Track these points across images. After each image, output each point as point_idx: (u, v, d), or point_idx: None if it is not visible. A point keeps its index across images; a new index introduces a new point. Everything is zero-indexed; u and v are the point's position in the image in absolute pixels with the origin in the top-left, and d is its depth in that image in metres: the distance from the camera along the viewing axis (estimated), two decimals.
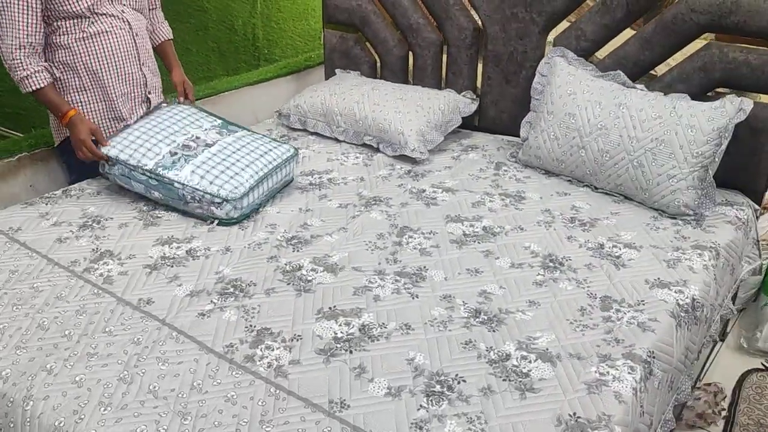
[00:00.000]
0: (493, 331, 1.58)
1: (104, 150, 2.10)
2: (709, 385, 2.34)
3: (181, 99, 2.43)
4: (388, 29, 2.96)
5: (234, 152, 2.17)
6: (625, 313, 1.65)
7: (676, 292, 1.75)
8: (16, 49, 2.03)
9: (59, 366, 1.43)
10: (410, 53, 2.97)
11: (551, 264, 1.87)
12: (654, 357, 1.53)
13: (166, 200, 2.10)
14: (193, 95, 2.49)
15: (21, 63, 2.05)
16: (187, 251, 1.89)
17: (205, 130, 2.24)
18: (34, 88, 2.07)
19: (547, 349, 1.52)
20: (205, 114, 2.34)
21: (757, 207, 2.31)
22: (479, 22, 2.72)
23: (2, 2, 2.00)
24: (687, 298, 1.73)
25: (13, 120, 3.36)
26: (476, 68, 2.82)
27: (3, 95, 3.31)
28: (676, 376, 1.66)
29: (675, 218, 2.14)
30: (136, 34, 2.28)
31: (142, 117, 2.25)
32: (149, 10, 2.43)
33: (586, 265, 1.86)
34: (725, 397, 2.30)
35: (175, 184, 2.04)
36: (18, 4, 2.00)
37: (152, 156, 2.09)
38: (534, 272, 1.83)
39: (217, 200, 2.02)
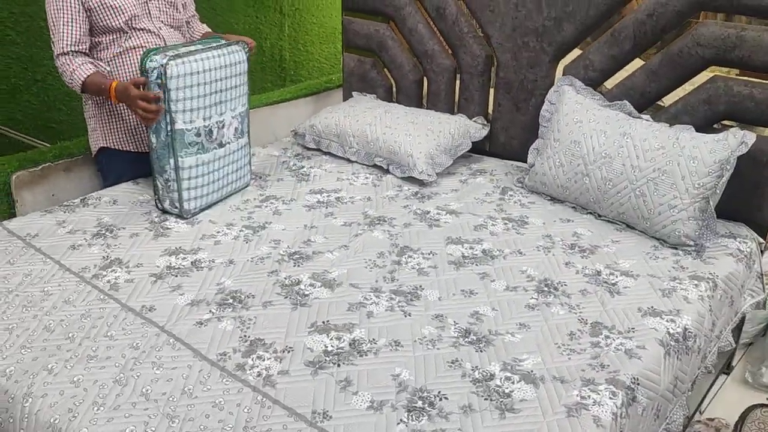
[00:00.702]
0: (481, 351, 1.61)
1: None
2: (712, 419, 2.31)
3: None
4: (405, 55, 3.04)
5: (222, 168, 2.31)
6: (613, 340, 1.67)
7: (667, 321, 1.76)
8: (62, 55, 2.20)
9: (60, 366, 1.50)
10: (425, 78, 3.03)
11: (546, 288, 1.89)
12: (638, 384, 1.55)
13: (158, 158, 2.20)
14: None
15: (67, 64, 2.20)
16: (192, 262, 1.96)
17: (232, 117, 2.32)
18: (82, 79, 2.18)
19: (532, 371, 1.55)
20: (245, 93, 2.40)
21: (762, 240, 2.31)
22: (492, 50, 2.78)
23: (51, 15, 2.19)
24: (678, 327, 1.74)
25: (45, 132, 3.51)
26: (488, 95, 2.88)
27: (37, 108, 3.46)
28: (664, 404, 1.66)
29: (676, 248, 2.15)
30: (159, 28, 2.37)
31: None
32: (187, 22, 2.56)
33: (581, 291, 1.88)
34: None
35: (171, 164, 2.17)
36: (63, 17, 2.17)
37: (191, 118, 2.16)
38: (528, 296, 1.85)
39: (175, 208, 2.22)
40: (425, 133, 2.67)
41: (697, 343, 1.80)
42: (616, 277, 1.96)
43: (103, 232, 2.11)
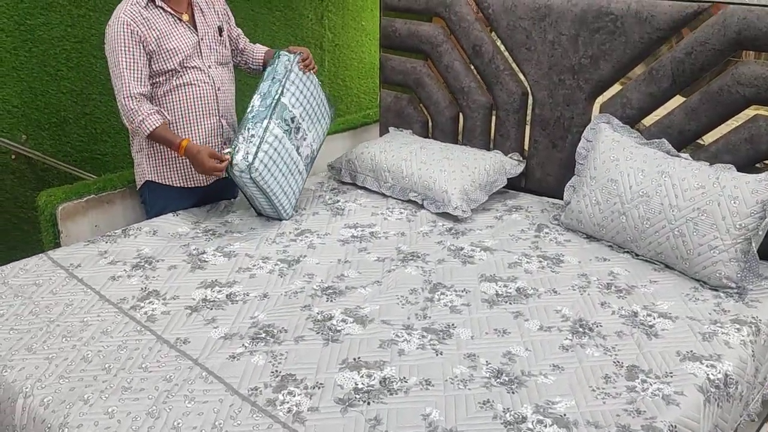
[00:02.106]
0: (513, 392, 1.59)
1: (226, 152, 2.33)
2: None
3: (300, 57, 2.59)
4: (441, 91, 3.07)
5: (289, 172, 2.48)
6: (650, 384, 1.63)
7: (708, 366, 1.71)
8: (127, 99, 2.29)
9: (95, 397, 1.53)
10: (460, 114, 3.05)
11: (581, 329, 1.86)
12: (676, 431, 1.50)
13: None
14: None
15: (134, 110, 2.29)
16: (227, 295, 1.99)
17: (312, 140, 2.54)
18: (150, 129, 2.30)
19: (565, 415, 1.52)
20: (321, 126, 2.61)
21: None
22: (527, 87, 2.79)
23: (113, 62, 2.28)
24: (719, 373, 1.69)
25: (91, 163, 3.62)
26: (524, 131, 2.88)
27: (84, 141, 3.58)
28: None
29: (717, 290, 2.09)
30: (218, 89, 2.48)
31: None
32: (240, 55, 2.68)
33: (617, 333, 1.85)
34: None
35: (263, 125, 2.36)
36: (124, 61, 2.27)
37: (292, 104, 2.44)
38: (562, 336, 1.83)
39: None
40: (460, 169, 2.68)
41: (739, 389, 1.74)
42: (654, 318, 1.92)
43: (143, 263, 2.16)
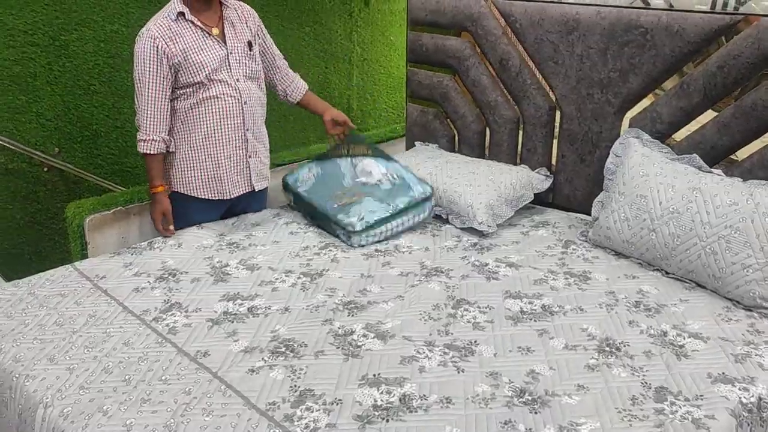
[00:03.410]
0: (536, 412, 1.55)
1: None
2: None
3: (336, 137, 2.72)
4: (467, 105, 3.05)
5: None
6: (680, 407, 1.58)
7: (740, 389, 1.65)
8: (146, 117, 2.37)
9: (114, 408, 1.53)
10: (487, 129, 3.03)
11: (607, 348, 1.81)
12: None
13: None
14: (348, 121, 2.75)
15: (146, 127, 2.38)
16: (248, 308, 1.99)
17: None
18: (146, 151, 2.41)
19: None
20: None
21: None
22: (555, 102, 2.75)
23: (138, 74, 2.36)
24: (752, 396, 1.63)
25: (121, 176, 3.68)
26: (551, 146, 2.84)
27: (116, 154, 3.64)
28: None
29: (750, 310, 2.02)
30: (245, 102, 2.49)
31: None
32: (276, 73, 2.70)
33: (645, 352, 1.79)
34: None
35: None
36: (148, 77, 2.34)
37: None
38: (588, 355, 1.78)
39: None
40: (486, 184, 2.65)
41: None
42: (684, 338, 1.86)
43: (167, 275, 2.17)
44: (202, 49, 2.37)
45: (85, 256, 2.52)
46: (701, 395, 1.62)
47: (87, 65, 3.42)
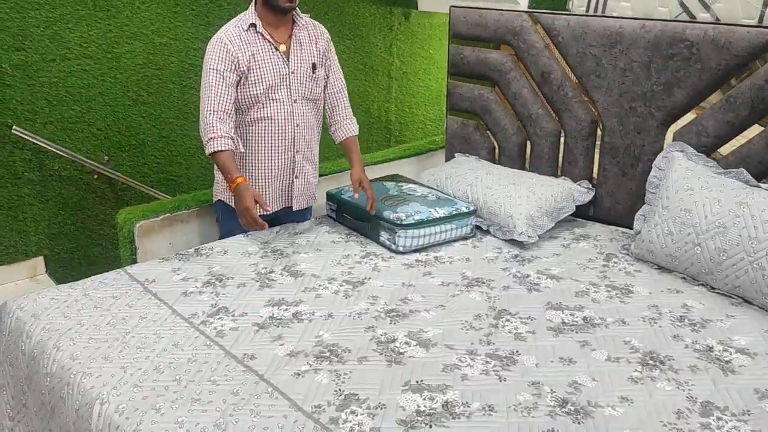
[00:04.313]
0: (579, 423, 1.55)
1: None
2: None
3: (356, 195, 2.57)
4: (508, 118, 3.06)
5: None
6: (726, 422, 1.56)
7: None
8: (210, 113, 2.32)
9: (166, 407, 1.58)
10: (528, 141, 3.04)
11: (651, 362, 1.80)
12: None
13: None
14: (371, 190, 2.56)
15: (212, 126, 2.31)
16: (293, 314, 2.03)
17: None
18: (215, 149, 2.30)
19: None
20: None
21: None
22: (597, 115, 2.75)
23: (205, 75, 2.34)
24: None
25: (166, 184, 3.78)
26: (592, 159, 2.84)
27: (161, 163, 3.74)
28: None
29: None
30: (297, 125, 2.50)
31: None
32: (335, 105, 2.63)
33: (690, 367, 1.78)
34: None
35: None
36: (214, 76, 2.32)
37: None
38: (631, 368, 1.78)
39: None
40: (526, 195, 2.66)
41: None
42: (731, 354, 1.84)
43: (213, 281, 2.22)
44: (266, 63, 2.39)
45: (134, 261, 2.60)
46: (748, 410, 1.60)
47: (137, 77, 3.54)
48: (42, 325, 1.93)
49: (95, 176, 3.54)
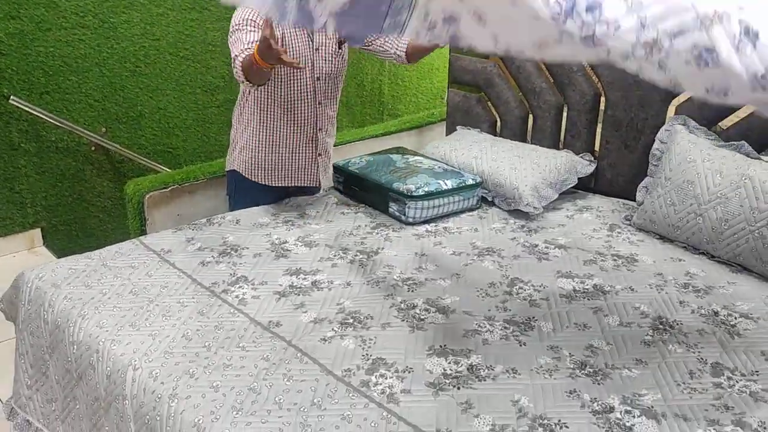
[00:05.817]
0: (598, 383, 1.62)
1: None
2: None
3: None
4: (511, 91, 3.10)
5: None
6: (737, 381, 1.64)
7: None
8: (239, 55, 2.18)
9: (200, 372, 1.61)
10: (530, 114, 3.08)
11: (661, 326, 1.88)
12: (766, 428, 1.51)
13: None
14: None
15: (237, 57, 2.18)
16: (312, 283, 2.06)
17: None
18: (239, 67, 2.16)
19: (652, 407, 1.54)
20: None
21: None
22: (601, 88, 2.80)
23: (235, 30, 2.25)
24: None
25: (163, 156, 3.77)
26: (595, 132, 2.89)
27: (157, 134, 3.72)
28: None
29: None
30: (320, 102, 2.50)
31: None
32: (385, 40, 2.51)
33: (698, 331, 1.86)
34: None
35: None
36: (245, 30, 2.23)
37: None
38: (643, 332, 1.85)
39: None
40: (531, 167, 2.71)
41: None
42: (735, 318, 1.92)
43: (229, 250, 2.25)
44: (292, 38, 2.37)
45: (144, 232, 2.60)
46: (756, 371, 1.69)
47: (133, 47, 3.50)
48: (64, 294, 1.94)
49: (93, 148, 3.52)
